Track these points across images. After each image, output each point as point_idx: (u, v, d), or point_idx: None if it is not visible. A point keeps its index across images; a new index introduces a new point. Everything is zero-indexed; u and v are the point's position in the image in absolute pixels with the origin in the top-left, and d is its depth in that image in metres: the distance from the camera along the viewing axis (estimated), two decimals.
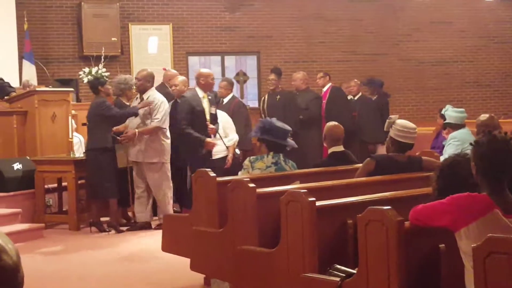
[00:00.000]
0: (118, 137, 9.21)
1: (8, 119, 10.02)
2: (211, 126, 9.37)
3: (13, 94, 10.46)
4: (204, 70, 9.92)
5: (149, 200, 9.42)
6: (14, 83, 11.72)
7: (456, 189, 3.67)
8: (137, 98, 9.54)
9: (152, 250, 7.82)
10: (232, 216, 5.37)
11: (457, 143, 7.89)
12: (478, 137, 3.63)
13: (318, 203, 4.46)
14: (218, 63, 15.76)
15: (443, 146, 8.47)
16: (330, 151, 6.84)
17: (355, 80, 12.60)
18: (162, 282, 6.82)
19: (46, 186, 9.61)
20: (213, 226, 5.75)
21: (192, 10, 15.39)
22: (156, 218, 9.47)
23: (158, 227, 9.17)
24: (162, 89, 10.19)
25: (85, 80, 12.48)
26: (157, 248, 6.97)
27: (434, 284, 3.89)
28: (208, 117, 9.41)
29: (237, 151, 10.25)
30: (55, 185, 9.80)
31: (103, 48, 13.30)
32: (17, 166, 9.50)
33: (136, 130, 9.18)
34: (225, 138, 9.97)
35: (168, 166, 9.34)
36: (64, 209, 9.78)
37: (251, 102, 15.40)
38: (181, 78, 10.03)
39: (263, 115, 11.18)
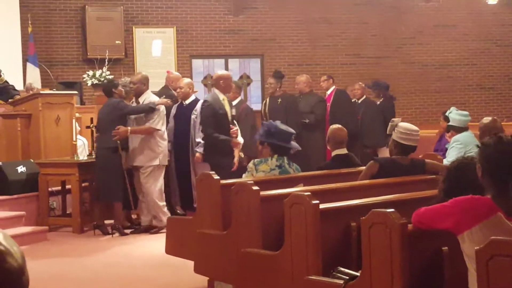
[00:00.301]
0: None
1: (12, 122, 10.03)
2: (235, 128, 9.33)
3: (17, 97, 10.47)
4: (223, 72, 9.83)
5: None
6: (18, 86, 11.73)
7: (462, 191, 3.67)
8: (132, 102, 9.54)
9: (156, 253, 7.82)
10: (236, 219, 5.37)
11: (460, 146, 7.88)
12: (485, 139, 3.61)
13: (321, 206, 4.47)
14: (221, 66, 15.77)
15: (446, 149, 8.47)
16: (333, 154, 6.85)
17: (360, 83, 12.59)
18: (166, 284, 6.83)
19: (50, 189, 9.62)
20: (217, 228, 5.75)
21: (196, 13, 15.41)
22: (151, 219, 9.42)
23: (154, 231, 9.18)
24: (165, 91, 10.20)
25: (89, 83, 12.54)
26: (161, 251, 6.97)
27: (437, 286, 3.90)
28: (230, 119, 9.37)
29: (241, 154, 10.22)
30: (59, 188, 9.81)
31: (107, 51, 13.35)
32: (21, 169, 9.51)
33: (128, 128, 9.16)
34: None
35: (163, 168, 9.34)
36: (67, 212, 9.78)
37: (255, 105, 15.36)
38: (186, 80, 9.99)
39: (264, 118, 11.16)
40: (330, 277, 4.25)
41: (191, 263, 6.12)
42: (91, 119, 9.86)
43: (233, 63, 15.87)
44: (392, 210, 3.80)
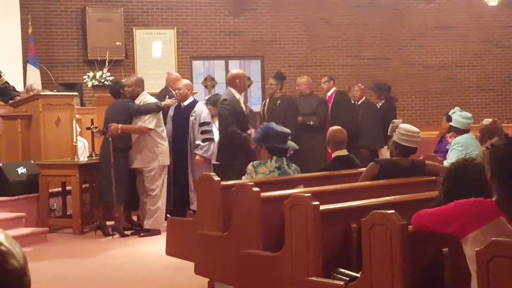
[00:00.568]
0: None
1: (12, 123, 10.03)
2: (252, 129, 9.35)
3: (18, 98, 10.48)
4: (238, 71, 9.81)
5: None
6: (19, 87, 11.73)
7: (463, 193, 3.67)
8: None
9: (156, 254, 7.82)
10: (236, 220, 5.38)
11: (461, 148, 7.88)
12: (494, 141, 3.54)
13: (322, 207, 4.48)
14: (222, 67, 15.79)
15: (447, 150, 8.47)
16: (334, 155, 6.86)
17: (359, 84, 12.58)
18: (166, 286, 6.83)
19: (50, 190, 9.61)
20: (217, 230, 5.76)
21: (196, 14, 15.42)
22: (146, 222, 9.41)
23: (144, 234, 9.16)
24: (166, 92, 10.20)
25: (90, 84, 12.55)
26: (162, 252, 6.98)
27: (437, 287, 3.90)
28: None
29: None
30: (59, 189, 9.80)
31: (108, 53, 13.36)
32: (21, 170, 9.51)
33: (120, 125, 9.12)
34: None
35: (166, 169, 9.33)
36: (68, 213, 9.78)
37: (255, 106, 15.38)
38: (184, 81, 9.96)
39: (263, 119, 11.14)
40: (331, 278, 4.26)
41: (191, 264, 6.13)
42: (92, 120, 9.87)
43: (233, 64, 15.87)
44: (393, 211, 3.80)
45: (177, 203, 9.53)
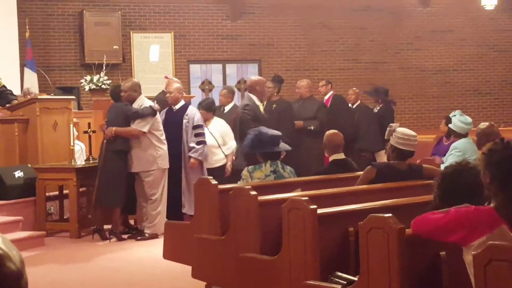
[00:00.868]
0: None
1: (9, 126, 10.02)
2: None
3: (15, 102, 10.47)
4: (258, 78, 9.87)
5: None
6: (16, 91, 11.73)
7: (457, 197, 3.67)
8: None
9: (153, 258, 7.81)
10: (234, 224, 5.38)
11: (459, 153, 7.86)
12: (492, 145, 3.53)
13: (319, 211, 4.48)
14: (219, 71, 15.80)
15: (445, 152, 8.45)
16: (331, 159, 6.87)
17: (353, 88, 12.60)
18: None
19: (47, 194, 9.60)
20: (215, 233, 5.76)
21: (194, 18, 15.43)
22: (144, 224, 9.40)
23: (141, 238, 9.15)
24: (164, 95, 10.18)
25: (87, 88, 12.54)
26: (159, 256, 6.97)
27: None
28: None
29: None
30: (56, 193, 9.79)
31: (105, 56, 13.34)
32: (18, 174, 9.51)
33: (113, 128, 9.13)
34: (223, 146, 9.97)
35: (166, 173, 9.32)
36: (65, 217, 9.77)
37: None
38: (175, 85, 9.88)
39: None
40: (328, 281, 4.26)
41: (189, 268, 6.12)
42: (89, 124, 9.87)
43: (231, 68, 15.89)
44: (390, 215, 3.80)
45: (170, 206, 9.51)
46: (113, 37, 14.43)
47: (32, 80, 13.57)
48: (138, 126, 9.15)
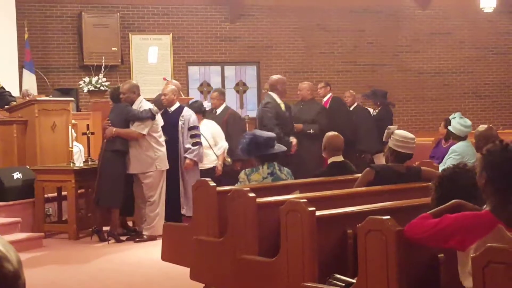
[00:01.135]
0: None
1: (8, 128, 10.02)
2: (294, 139, 9.35)
3: (14, 103, 10.48)
4: (279, 77, 9.95)
5: None
6: (15, 92, 11.73)
7: (455, 199, 3.67)
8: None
9: (152, 260, 7.80)
10: (232, 226, 5.38)
11: (458, 157, 7.87)
12: (490, 146, 3.53)
13: (318, 213, 4.48)
14: (218, 73, 15.80)
15: (443, 156, 8.46)
16: (329, 161, 6.86)
17: (350, 91, 12.61)
18: None
19: (45, 195, 9.60)
20: (213, 235, 5.75)
21: (192, 20, 15.43)
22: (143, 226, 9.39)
23: (139, 239, 9.14)
24: (158, 97, 10.18)
25: (85, 89, 12.54)
26: (157, 258, 6.97)
27: None
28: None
29: (228, 159, 10.24)
30: (55, 194, 9.79)
31: (104, 58, 13.34)
32: (17, 175, 9.50)
33: (114, 128, 9.14)
34: (214, 146, 9.99)
35: (164, 174, 9.31)
36: (63, 219, 9.77)
37: (251, 112, 15.40)
38: (171, 87, 9.90)
39: (257, 125, 11.15)
40: (326, 284, 4.26)
41: (187, 270, 6.12)
42: (87, 125, 9.87)
43: (229, 70, 15.89)
44: (388, 217, 3.80)
45: (168, 208, 9.51)
46: (112, 39, 14.43)
47: (30, 82, 13.56)
48: (137, 128, 9.15)
